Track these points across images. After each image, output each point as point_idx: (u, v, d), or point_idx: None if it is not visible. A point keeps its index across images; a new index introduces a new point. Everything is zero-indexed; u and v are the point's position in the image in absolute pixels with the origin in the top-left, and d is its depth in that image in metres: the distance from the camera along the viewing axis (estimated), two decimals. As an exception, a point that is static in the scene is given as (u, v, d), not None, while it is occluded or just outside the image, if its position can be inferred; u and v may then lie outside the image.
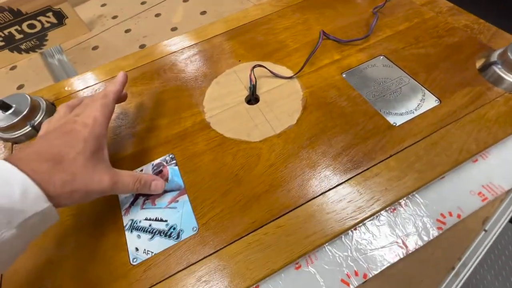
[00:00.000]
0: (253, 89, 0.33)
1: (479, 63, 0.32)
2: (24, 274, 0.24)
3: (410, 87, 0.32)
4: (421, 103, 0.30)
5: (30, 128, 0.33)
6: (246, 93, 0.34)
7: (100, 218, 0.27)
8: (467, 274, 0.27)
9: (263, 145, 0.29)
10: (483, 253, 0.29)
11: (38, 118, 0.34)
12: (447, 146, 0.27)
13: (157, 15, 0.58)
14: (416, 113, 0.29)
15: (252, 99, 0.34)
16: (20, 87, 0.48)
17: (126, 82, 0.29)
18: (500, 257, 0.86)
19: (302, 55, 0.37)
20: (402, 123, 0.29)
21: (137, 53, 0.41)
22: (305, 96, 0.33)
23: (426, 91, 0.31)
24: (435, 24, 0.37)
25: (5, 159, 0.19)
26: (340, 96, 0.32)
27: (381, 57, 0.35)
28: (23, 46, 0.52)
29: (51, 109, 0.36)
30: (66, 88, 0.39)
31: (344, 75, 0.34)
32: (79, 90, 0.39)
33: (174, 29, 0.54)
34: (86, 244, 0.25)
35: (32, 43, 0.53)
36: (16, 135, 0.33)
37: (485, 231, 0.30)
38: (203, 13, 0.56)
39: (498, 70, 0.30)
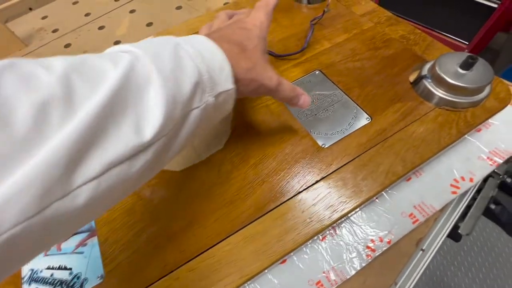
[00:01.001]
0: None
1: (412, 76, 0.32)
2: None
3: (342, 104, 0.31)
4: (352, 121, 0.29)
5: None
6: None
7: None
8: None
9: (186, 175, 0.27)
10: (420, 272, 0.28)
11: None
12: (374, 168, 0.26)
13: (101, 27, 0.54)
14: (347, 133, 0.28)
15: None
16: None
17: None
18: (435, 273, 0.88)
19: (237, 71, 0.35)
20: (331, 145, 0.27)
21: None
22: (234, 117, 0.31)
23: (358, 108, 0.30)
24: (373, 35, 0.36)
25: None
26: (270, 116, 0.30)
27: (317, 72, 0.34)
28: None
29: None
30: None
31: (277, 93, 0.32)
32: None
33: (117, 42, 0.51)
34: (-24, 302, 0.22)
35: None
36: None
37: (422, 250, 0.29)
38: (149, 24, 0.53)
39: (428, 84, 0.29)
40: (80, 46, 0.51)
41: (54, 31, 0.55)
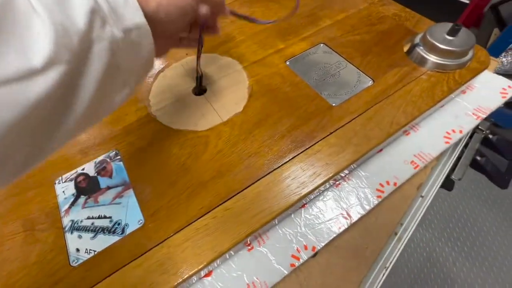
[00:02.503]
0: (199, 80, 0.33)
1: (406, 47, 0.36)
2: None
3: (347, 70, 0.34)
4: (357, 84, 0.32)
5: None
6: (193, 85, 0.34)
7: (34, 223, 0.25)
8: (408, 236, 0.30)
9: (210, 133, 0.29)
10: (421, 215, 0.31)
11: None
12: (380, 120, 0.29)
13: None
14: (353, 93, 0.32)
15: (199, 90, 0.34)
16: None
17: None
18: (436, 216, 0.98)
19: (248, 45, 0.38)
20: (341, 103, 0.31)
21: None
22: (250, 85, 0.33)
23: (361, 73, 0.33)
24: (369, 13, 0.40)
25: None
26: (284, 82, 0.33)
27: (321, 45, 0.37)
28: None
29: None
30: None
31: (288, 63, 0.35)
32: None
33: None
34: (19, 252, 0.23)
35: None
36: None
37: (422, 197, 0.32)
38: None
39: (421, 51, 0.33)
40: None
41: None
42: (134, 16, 0.17)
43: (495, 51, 0.93)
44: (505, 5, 1.07)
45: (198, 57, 0.29)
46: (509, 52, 0.91)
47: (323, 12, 0.41)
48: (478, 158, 0.35)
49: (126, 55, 0.17)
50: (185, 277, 0.21)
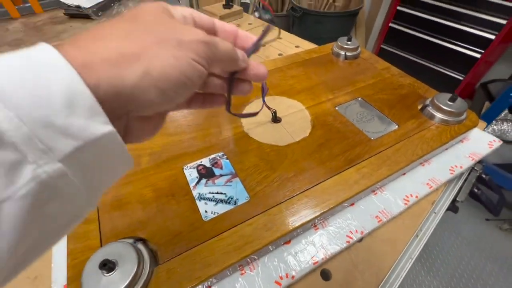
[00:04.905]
0: (274, 114, 0.47)
1: (419, 106, 0.51)
2: (120, 229, 0.33)
3: (379, 117, 0.49)
4: (386, 126, 0.47)
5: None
6: (270, 116, 0.49)
7: (174, 192, 0.37)
8: (426, 238, 0.40)
9: (287, 148, 0.43)
10: (434, 225, 0.42)
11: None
12: (404, 151, 0.42)
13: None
14: (384, 133, 0.46)
15: (275, 120, 0.48)
16: None
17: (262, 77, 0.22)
18: (442, 265, 1.06)
19: (306, 94, 0.53)
20: (377, 138, 0.45)
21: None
22: (312, 119, 0.48)
23: (389, 120, 0.48)
24: (391, 81, 0.57)
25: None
26: (335, 120, 0.48)
27: (359, 98, 0.53)
28: None
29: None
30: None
31: (336, 108, 0.50)
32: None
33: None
34: (167, 209, 0.35)
35: None
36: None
37: (435, 213, 0.44)
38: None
39: (430, 110, 0.48)
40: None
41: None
42: (90, 124, 0.12)
43: (488, 118, 1.10)
44: (493, 84, 1.29)
45: (263, 99, 0.39)
46: (499, 122, 1.08)
47: (359, 77, 0.58)
48: (476, 190, 0.47)
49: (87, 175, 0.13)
50: (284, 232, 0.32)
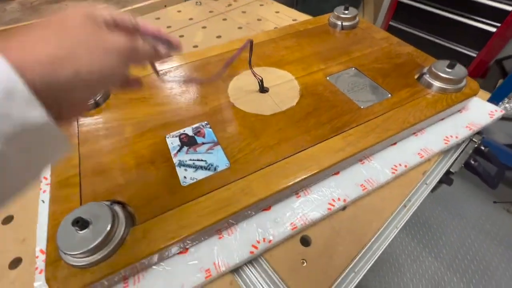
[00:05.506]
0: (261, 83, 0.46)
1: (416, 75, 0.48)
2: (100, 193, 0.33)
3: (371, 86, 0.46)
4: (379, 95, 0.45)
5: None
6: (258, 87, 0.47)
7: (155, 159, 0.37)
8: (414, 208, 0.39)
9: (273, 117, 0.42)
10: (425, 195, 0.41)
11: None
12: (395, 119, 0.40)
13: (181, 36, 0.73)
14: (376, 101, 0.44)
15: (262, 90, 0.47)
16: None
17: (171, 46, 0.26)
18: (444, 247, 1.08)
19: (297, 64, 0.51)
20: (367, 107, 0.43)
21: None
22: (300, 89, 0.46)
23: (382, 89, 0.46)
24: (389, 51, 0.54)
25: None
26: (325, 90, 0.46)
27: (353, 68, 0.50)
28: None
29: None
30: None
31: (328, 78, 0.48)
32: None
33: (195, 46, 0.68)
34: (146, 175, 0.35)
35: None
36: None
37: (426, 184, 0.42)
38: (219, 36, 0.72)
39: (427, 78, 0.46)
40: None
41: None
42: (25, 109, 0.14)
43: (500, 96, 1.04)
44: (509, 60, 1.22)
45: (227, 64, 0.38)
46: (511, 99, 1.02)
47: (355, 47, 0.55)
48: (472, 162, 0.45)
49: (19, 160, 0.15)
50: (261, 197, 0.32)
